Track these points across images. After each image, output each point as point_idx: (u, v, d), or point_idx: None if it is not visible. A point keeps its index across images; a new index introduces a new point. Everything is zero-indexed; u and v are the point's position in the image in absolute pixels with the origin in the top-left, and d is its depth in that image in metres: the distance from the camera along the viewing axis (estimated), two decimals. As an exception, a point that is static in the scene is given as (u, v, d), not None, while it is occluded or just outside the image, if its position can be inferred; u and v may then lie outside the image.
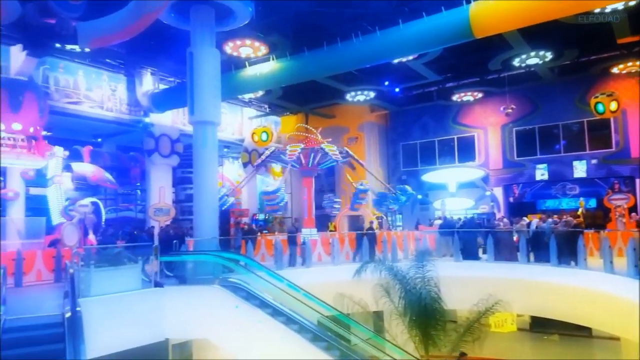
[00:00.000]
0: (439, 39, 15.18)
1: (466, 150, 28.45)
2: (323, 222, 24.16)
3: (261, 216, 26.86)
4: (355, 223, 23.59)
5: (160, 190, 21.08)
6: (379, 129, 30.86)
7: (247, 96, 25.85)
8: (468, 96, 26.72)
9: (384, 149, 31.13)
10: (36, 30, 14.49)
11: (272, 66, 18.93)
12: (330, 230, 22.32)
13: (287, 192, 30.96)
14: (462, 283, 13.16)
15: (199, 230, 14.05)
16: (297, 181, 28.57)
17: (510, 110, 24.79)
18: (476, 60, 21.92)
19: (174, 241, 13.26)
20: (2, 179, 19.11)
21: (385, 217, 21.67)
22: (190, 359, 13.29)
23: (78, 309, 8.57)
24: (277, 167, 28.05)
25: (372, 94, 25.93)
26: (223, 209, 19.43)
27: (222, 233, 15.07)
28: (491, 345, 12.00)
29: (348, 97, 25.93)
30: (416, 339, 10.55)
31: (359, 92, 25.55)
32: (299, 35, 18.21)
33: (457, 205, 27.75)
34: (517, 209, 25.79)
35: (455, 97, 26.81)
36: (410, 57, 20.06)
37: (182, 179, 25.38)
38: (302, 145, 20.04)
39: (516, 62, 21.90)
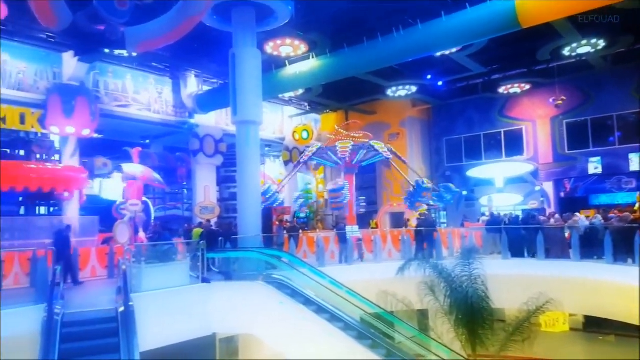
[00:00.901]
0: (484, 30, 14.73)
1: (514, 144, 27.47)
2: (364, 219, 24.05)
3: (302, 214, 27.04)
4: (398, 220, 23.31)
5: (205, 189, 21.62)
6: (422, 124, 30.30)
7: (287, 95, 26.04)
8: (515, 88, 25.78)
9: (427, 144, 30.54)
10: (86, 36, 15.13)
11: (312, 64, 18.98)
12: (372, 228, 22.16)
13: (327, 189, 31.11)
14: (511, 281, 12.73)
15: (243, 228, 14.31)
16: (337, 179, 28.51)
17: (560, 102, 23.72)
18: (523, 50, 21.09)
19: (220, 238, 13.56)
20: (59, 179, 20.18)
21: (428, 214, 21.23)
22: (236, 353, 13.56)
23: (131, 303, 8.90)
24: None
25: (414, 89, 25.50)
26: (274, 205, 19.75)
27: (264, 230, 15.26)
28: (542, 345, 11.57)
29: (389, 92, 25.61)
30: (463, 338, 10.31)
31: (400, 87, 25.18)
32: (338, 32, 18.14)
33: (504, 201, 26.85)
34: (568, 205, 24.64)
35: (501, 90, 25.92)
36: (454, 50, 19.56)
37: (226, 177, 25.93)
38: (352, 142, 20.00)
39: (566, 52, 20.91)
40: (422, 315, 12.37)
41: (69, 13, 13.78)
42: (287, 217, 22.87)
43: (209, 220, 18.30)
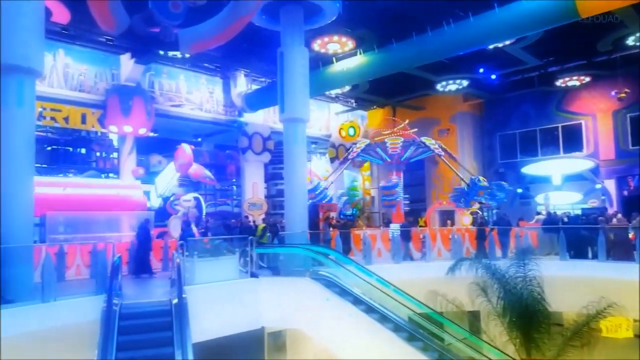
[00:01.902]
0: (540, 21, 14.09)
1: (572, 139, 26.09)
2: (409, 217, 23.63)
3: (348, 211, 26.96)
4: (447, 218, 22.75)
5: (253, 185, 22.05)
6: (473, 120, 29.35)
7: (333, 92, 26.02)
8: (574, 81, 24.44)
9: (479, 140, 29.57)
10: (142, 39, 15.78)
11: (359, 60, 18.86)
12: (420, 226, 21.75)
13: (374, 186, 30.89)
14: (569, 283, 12.09)
15: (290, 224, 14.46)
16: (383, 176, 28.26)
17: (623, 95, 22.30)
18: (582, 41, 19.96)
19: (267, 234, 13.76)
20: (116, 176, 21.22)
21: (480, 213, 20.60)
22: (284, 348, 13.71)
23: (184, 295, 9.18)
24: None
25: (465, 83, 24.75)
26: (323, 202, 19.87)
27: (311, 227, 15.35)
28: (603, 351, 10.89)
29: (439, 87, 25.01)
30: (517, 341, 9.90)
31: (450, 82, 24.51)
32: (386, 27, 17.91)
33: (562, 200, 25.57)
34: (632, 204, 23.12)
35: (559, 82, 24.67)
36: (507, 42, 18.81)
37: (274, 174, 26.32)
38: (403, 139, 19.75)
39: (630, 42, 19.60)
40: (473, 316, 11.98)
41: (126, 17, 14.42)
42: (333, 214, 22.91)
43: (247, 217, 18.65)
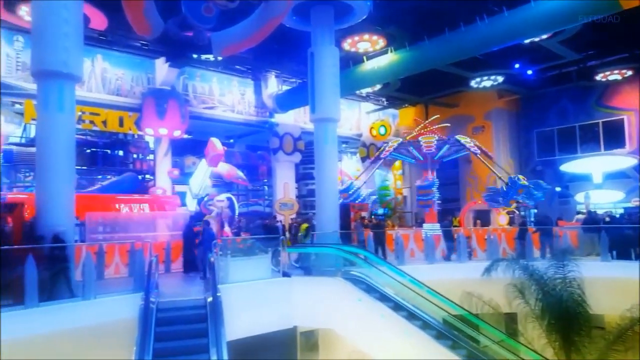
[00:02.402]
0: (578, 13, 13.55)
1: (613, 135, 25.06)
2: (442, 217, 23.21)
3: (379, 210, 26.75)
4: (483, 218, 22.22)
5: (284, 185, 22.23)
6: (509, 116, 28.63)
7: (364, 91, 25.88)
8: (615, 75, 23.48)
9: (515, 137, 28.80)
10: (176, 43, 16.13)
11: (390, 58, 18.68)
12: (455, 226, 21.33)
13: (406, 186, 30.55)
14: (611, 285, 11.58)
15: (321, 224, 14.46)
16: (415, 175, 27.91)
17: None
18: (624, 33, 19.07)
19: (299, 234, 13.81)
20: (152, 177, 21.79)
21: (517, 212, 20.02)
22: (316, 347, 13.74)
23: (218, 294, 9.31)
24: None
25: (500, 79, 24.15)
26: (357, 202, 19.81)
27: (342, 227, 15.31)
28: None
29: (473, 83, 24.50)
30: (556, 344, 9.58)
31: (485, 78, 23.98)
32: (417, 24, 17.67)
33: (603, 199, 24.58)
34: (680, 202, 22.02)
35: (599, 77, 23.75)
36: (544, 36, 18.22)
37: (304, 174, 26.42)
38: (437, 137, 19.45)
39: (677, 32, 18.62)
40: (510, 319, 11.66)
41: (160, 21, 14.78)
42: (364, 214, 22.78)
43: (275, 217, 18.75)
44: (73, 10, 9.78)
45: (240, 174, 23.16)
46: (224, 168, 22.27)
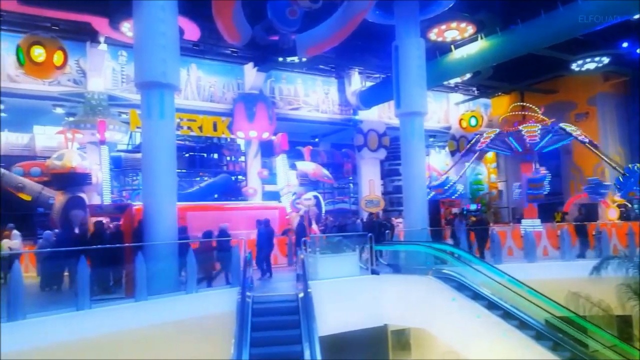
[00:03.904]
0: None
1: None
2: (545, 211, 21.60)
3: (473, 206, 25.59)
4: (589, 212, 20.32)
5: (370, 183, 22.10)
6: (616, 101, 25.93)
7: (452, 81, 24.90)
8: None
9: (624, 124, 26.00)
10: (263, 48, 16.75)
11: (480, 45, 17.80)
12: (557, 221, 19.78)
13: (501, 179, 28.90)
14: None
15: (409, 221, 14.15)
16: (511, 167, 26.29)
17: None
18: None
19: (386, 231, 13.62)
20: (244, 178, 22.83)
21: (630, 206, 18.06)
22: (408, 346, 13.48)
23: (309, 290, 9.50)
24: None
25: (605, 60, 21.97)
26: (453, 197, 19.21)
27: (432, 224, 14.85)
28: None
29: (574, 66, 22.58)
30: (681, 352, 8.49)
31: (588, 60, 21.97)
32: (509, 7, 16.66)
33: None
34: None
35: None
36: (658, 8, 16.20)
37: (390, 171, 26.10)
38: (540, 126, 18.17)
39: None
40: (624, 322, 10.56)
41: (248, 28, 15.43)
42: (455, 210, 21.94)
43: (370, 214, 18.56)
44: (169, 24, 10.50)
45: (326, 172, 23.46)
46: (309, 167, 22.71)
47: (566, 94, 26.02)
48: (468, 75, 23.51)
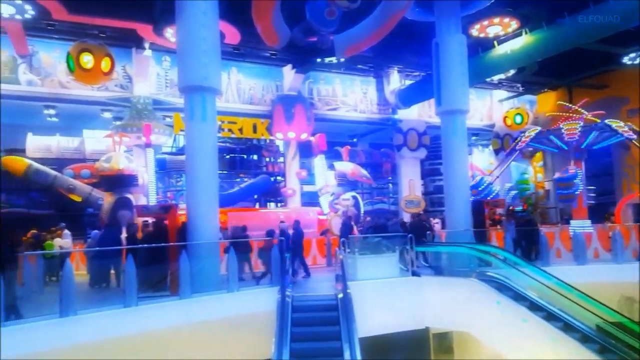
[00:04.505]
0: None
1: None
2: (595, 212, 20.60)
3: (519, 207, 24.74)
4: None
5: (409, 182, 21.80)
6: (675, 94, 24.37)
7: (496, 77, 24.18)
8: None
9: (683, 118, 24.42)
10: (302, 49, 16.85)
11: (525, 40, 17.23)
12: (609, 222, 18.81)
13: (548, 179, 27.83)
14: None
15: (451, 222, 13.84)
16: (559, 166, 25.22)
17: None
18: None
19: (427, 232, 13.37)
20: (283, 179, 23.01)
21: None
22: (451, 350, 13.18)
23: (348, 291, 9.46)
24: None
25: (660, 53, 20.74)
26: (488, 198, 18.74)
27: (475, 224, 14.46)
28: None
29: (626, 60, 21.52)
30: None
31: (641, 53, 20.81)
32: (555, 0, 15.97)
33: None
34: None
35: None
36: None
37: (431, 170, 25.64)
38: (582, 123, 17.45)
39: None
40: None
41: (287, 31, 15.57)
42: (500, 211, 21.28)
43: (418, 214, 18.25)
44: (210, 29, 10.71)
45: (364, 172, 23.32)
46: (348, 167, 22.64)
47: (618, 89, 24.72)
48: (512, 72, 22.76)
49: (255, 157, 24.49)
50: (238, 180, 23.40)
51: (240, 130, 20.63)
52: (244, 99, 21.36)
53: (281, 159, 23.87)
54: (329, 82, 23.21)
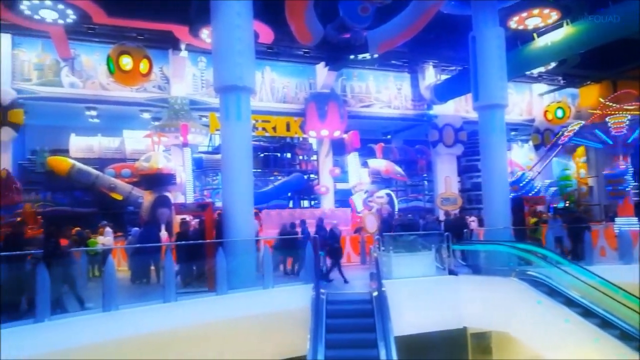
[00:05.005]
0: None
1: None
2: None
3: (560, 204, 23.90)
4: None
5: (445, 179, 21.38)
6: None
7: (535, 71, 23.37)
8: None
9: None
10: (335, 46, 16.77)
11: (566, 32, 16.59)
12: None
13: (592, 175, 26.79)
14: None
15: (490, 220, 13.52)
16: (603, 162, 24.20)
17: None
18: None
19: (465, 230, 13.11)
20: (316, 177, 23.03)
21: None
22: (489, 351, 12.88)
23: (383, 289, 9.39)
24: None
25: None
26: (530, 194, 18.22)
27: (515, 222, 14.06)
28: None
29: (676, 50, 20.24)
30: None
31: (693, 42, 19.60)
32: (599, -12, 15.33)
33: None
34: None
35: None
36: None
37: (468, 167, 25.08)
38: (629, 116, 16.69)
39: None
40: None
41: (320, 28, 15.56)
42: (540, 208, 20.61)
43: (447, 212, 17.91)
44: (245, 30, 10.82)
45: (398, 169, 23.04)
46: (382, 164, 22.42)
47: (667, 80, 23.44)
48: (553, 64, 21.96)
49: (288, 155, 24.61)
50: (272, 178, 23.58)
51: (274, 128, 20.82)
52: (278, 98, 21.49)
53: (314, 157, 23.90)
54: (362, 78, 23.04)
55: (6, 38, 17.19)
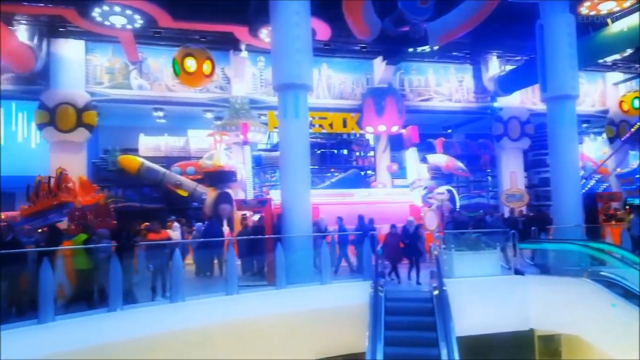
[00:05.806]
0: None
1: None
2: None
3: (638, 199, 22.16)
4: None
5: (511, 175, 20.46)
6: None
7: (610, 59, 21.76)
8: None
9: None
10: (393, 40, 16.49)
11: (645, 15, 15.26)
12: None
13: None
14: None
15: (560, 217, 12.80)
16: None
17: None
18: None
19: (532, 228, 12.49)
20: (373, 173, 22.83)
21: None
22: (558, 354, 12.23)
23: (444, 288, 9.17)
24: None
25: None
26: (583, 191, 17.11)
27: (587, 220, 13.20)
28: None
29: None
30: None
31: None
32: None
33: None
34: None
35: None
36: None
37: (535, 161, 23.86)
38: None
39: None
40: None
41: (378, 22, 15.37)
42: (615, 205, 19.21)
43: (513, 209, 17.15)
44: (303, 27, 10.93)
45: (460, 164, 22.30)
46: (442, 159, 21.81)
47: None
48: (629, 51, 20.36)
49: (345, 151, 24.57)
50: (329, 175, 23.66)
51: (331, 125, 20.85)
52: (334, 94, 21.48)
53: (371, 153, 23.70)
54: (421, 72, 22.51)
55: (80, 44, 18.41)
